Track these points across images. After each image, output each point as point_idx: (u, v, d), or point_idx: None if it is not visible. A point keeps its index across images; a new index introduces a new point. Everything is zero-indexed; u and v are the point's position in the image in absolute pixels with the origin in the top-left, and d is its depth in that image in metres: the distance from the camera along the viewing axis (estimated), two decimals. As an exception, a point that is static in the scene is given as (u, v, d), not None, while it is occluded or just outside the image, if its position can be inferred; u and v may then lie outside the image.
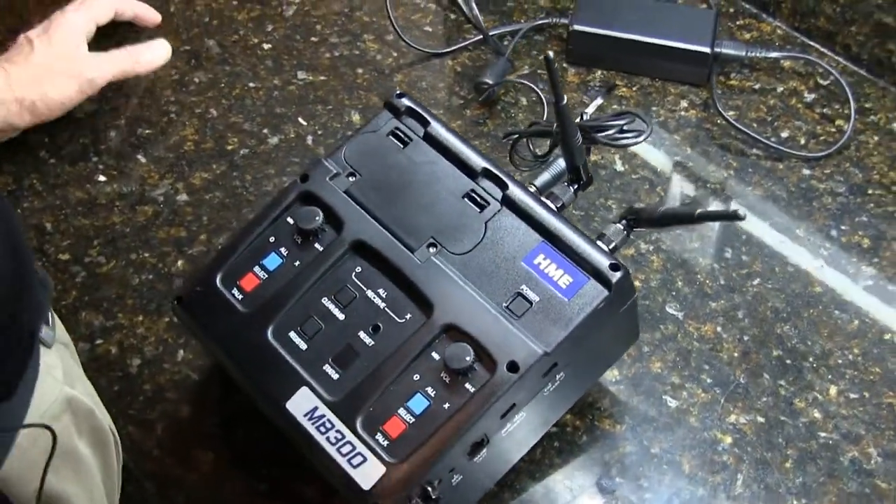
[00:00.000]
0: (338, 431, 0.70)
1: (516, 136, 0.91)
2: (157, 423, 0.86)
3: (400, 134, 0.81)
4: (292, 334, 0.74)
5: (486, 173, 0.78)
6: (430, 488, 0.68)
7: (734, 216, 0.71)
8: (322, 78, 1.11)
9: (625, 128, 0.92)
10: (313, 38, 1.15)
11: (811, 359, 0.89)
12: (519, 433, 0.75)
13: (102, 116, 1.07)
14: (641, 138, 0.91)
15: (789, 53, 1.11)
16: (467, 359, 0.69)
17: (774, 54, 1.10)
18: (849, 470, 0.83)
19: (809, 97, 1.09)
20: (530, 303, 0.72)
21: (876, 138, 1.05)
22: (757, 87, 1.09)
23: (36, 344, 0.70)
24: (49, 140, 1.06)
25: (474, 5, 1.11)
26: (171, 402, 0.87)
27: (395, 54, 1.13)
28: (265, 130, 1.06)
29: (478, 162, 0.78)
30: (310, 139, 1.05)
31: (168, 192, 1.01)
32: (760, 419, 0.86)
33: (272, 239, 0.78)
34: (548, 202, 0.79)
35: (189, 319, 0.79)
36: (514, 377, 0.69)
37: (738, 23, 1.16)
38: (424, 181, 0.78)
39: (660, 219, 0.79)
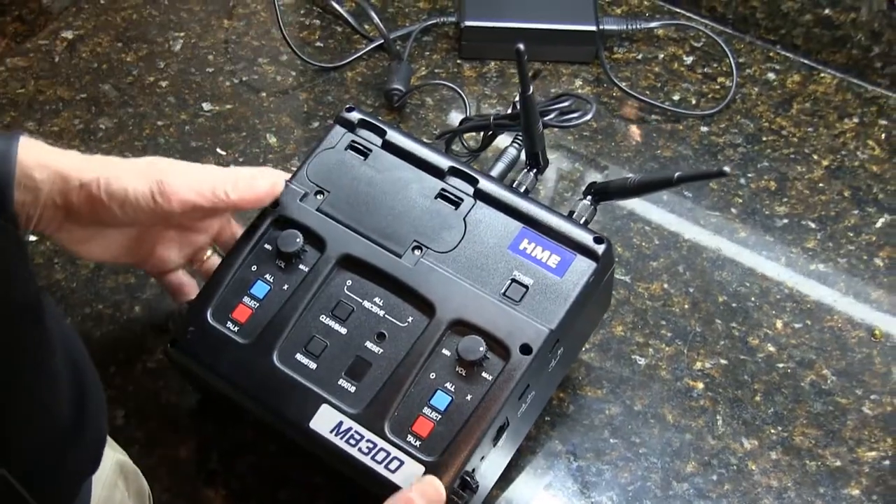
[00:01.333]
0: (368, 441, 0.70)
1: (450, 134, 0.92)
2: (158, 468, 0.83)
3: (358, 146, 0.80)
4: (299, 356, 0.74)
5: (454, 171, 0.78)
6: (468, 478, 0.69)
7: (720, 173, 0.70)
8: (228, 106, 1.08)
9: (565, 109, 0.95)
10: (209, 69, 1.12)
11: (753, 298, 0.94)
12: (529, 412, 0.76)
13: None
14: (588, 116, 0.93)
15: (665, 22, 1.15)
16: (480, 349, 0.70)
17: (652, 24, 1.14)
18: (810, 393, 0.88)
19: (689, 60, 1.13)
20: (526, 287, 0.73)
21: (756, 89, 1.10)
22: (640, 57, 1.13)
23: (106, 426, 0.68)
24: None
25: (373, 14, 1.11)
26: (167, 446, 0.84)
27: (293, 73, 1.12)
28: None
29: (443, 162, 0.79)
30: (233, 167, 1.03)
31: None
32: (723, 361, 0.90)
33: (254, 268, 0.77)
34: (521, 189, 0.80)
35: (187, 361, 0.76)
36: (529, 359, 0.70)
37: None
38: (394, 188, 0.78)
39: (635, 188, 0.78)
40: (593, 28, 1.10)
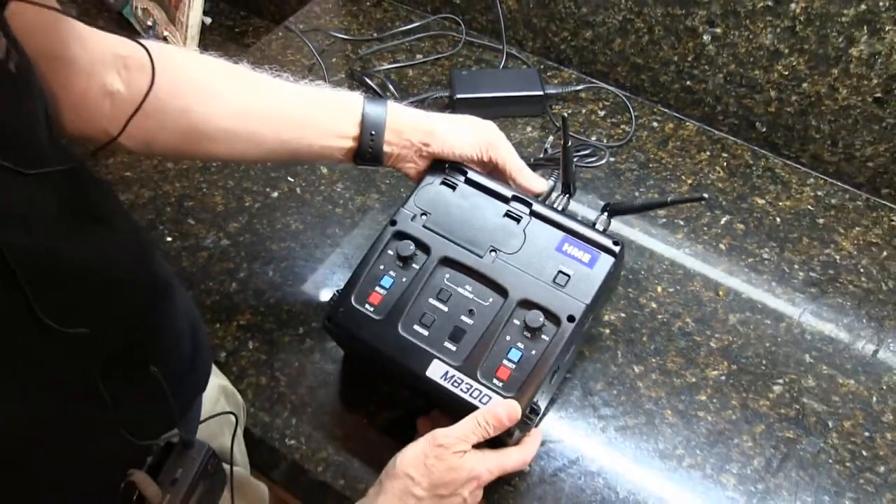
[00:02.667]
0: (467, 383, 0.74)
1: None
2: (247, 391, 0.88)
3: (448, 182, 0.83)
4: (416, 326, 0.77)
5: (515, 198, 0.82)
6: (534, 406, 0.75)
7: (700, 198, 0.78)
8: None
9: (587, 154, 0.99)
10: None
11: (643, 272, 0.99)
12: (569, 360, 0.83)
13: (158, 199, 1.05)
14: (603, 161, 0.97)
15: (585, 86, 1.20)
16: (540, 320, 0.75)
17: (578, 87, 1.19)
18: (677, 334, 0.94)
19: (602, 113, 1.19)
20: (568, 276, 0.77)
21: (645, 133, 1.17)
22: (570, 111, 1.19)
23: (212, 365, 0.75)
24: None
25: (391, 87, 1.15)
26: (252, 376, 0.90)
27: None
28: (267, 189, 1.07)
29: (507, 191, 0.82)
30: (298, 189, 1.07)
31: (214, 240, 1.01)
32: (622, 315, 0.95)
33: (382, 267, 0.80)
34: (559, 208, 0.85)
35: (340, 331, 0.80)
36: (573, 325, 0.76)
37: (548, 74, 1.24)
38: (475, 210, 0.82)
39: (640, 207, 0.84)
40: (541, 92, 1.16)
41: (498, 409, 0.71)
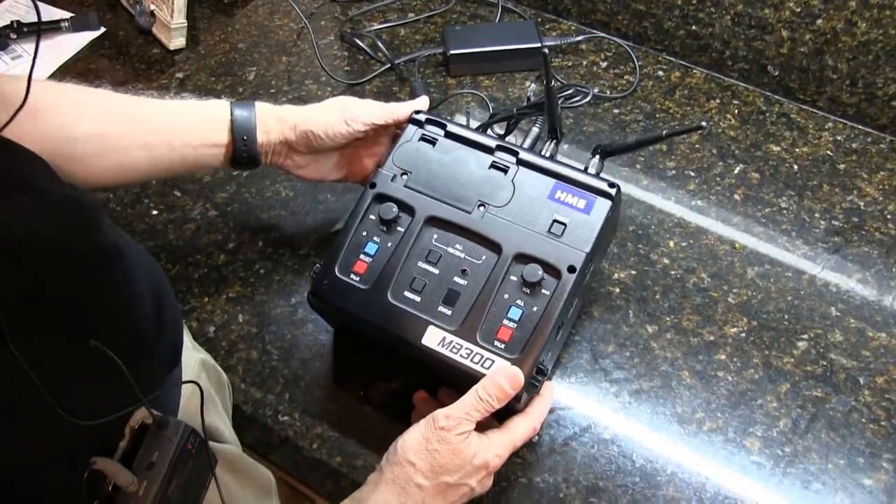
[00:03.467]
0: (467, 349, 0.68)
1: (484, 124, 0.88)
2: (237, 366, 0.82)
3: (427, 138, 0.77)
4: (406, 293, 0.71)
5: (500, 147, 0.75)
6: (541, 366, 0.68)
7: (698, 127, 0.70)
8: (285, 114, 1.05)
9: (571, 94, 0.91)
10: (272, 90, 1.08)
11: (652, 227, 0.92)
12: (573, 315, 0.76)
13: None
14: (588, 98, 0.90)
15: (585, 37, 1.11)
16: (539, 273, 0.69)
17: (577, 38, 1.11)
18: (692, 291, 0.86)
19: (604, 64, 1.10)
20: (564, 224, 0.71)
21: (651, 83, 1.08)
22: (570, 64, 1.11)
23: (182, 328, 0.69)
24: (113, 195, 0.97)
25: (383, 46, 1.07)
26: (242, 350, 0.83)
27: (329, 89, 1.09)
28: (256, 156, 1.00)
29: (490, 142, 0.76)
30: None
31: (201, 211, 0.94)
32: (633, 272, 0.88)
33: (364, 233, 0.74)
34: (546, 155, 0.78)
35: (325, 305, 0.73)
36: (574, 275, 0.69)
37: (546, 27, 1.16)
38: (458, 164, 0.75)
39: (633, 145, 0.77)
40: (538, 45, 1.07)
41: (498, 378, 0.64)
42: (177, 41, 1.30)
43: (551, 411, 0.77)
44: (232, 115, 0.76)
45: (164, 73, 1.13)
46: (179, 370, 0.67)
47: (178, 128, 0.74)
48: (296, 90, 1.08)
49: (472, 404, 0.64)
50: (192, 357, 0.73)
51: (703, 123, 0.69)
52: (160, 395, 0.61)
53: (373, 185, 0.75)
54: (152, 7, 1.31)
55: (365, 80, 1.08)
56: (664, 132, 0.72)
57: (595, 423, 0.77)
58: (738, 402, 0.78)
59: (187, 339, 0.74)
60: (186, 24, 1.29)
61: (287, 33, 1.16)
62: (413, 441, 0.63)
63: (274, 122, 0.78)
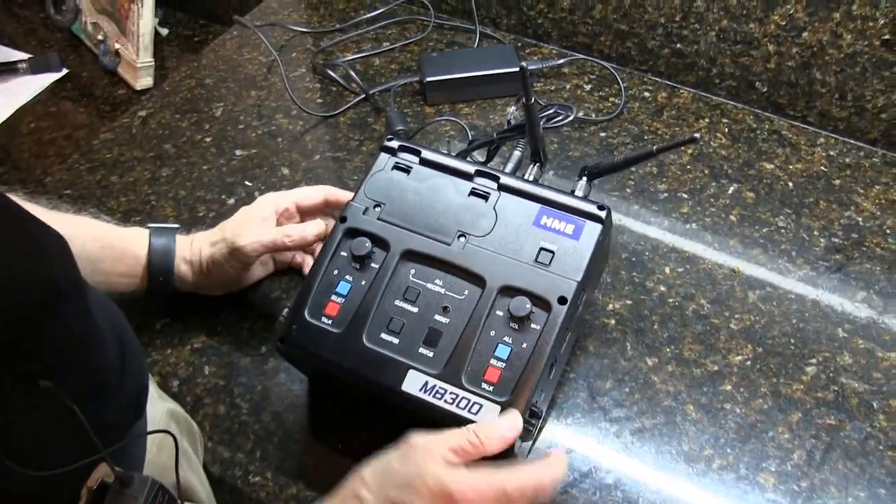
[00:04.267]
0: (451, 393, 0.63)
1: (465, 151, 0.85)
2: (204, 423, 0.76)
3: (402, 166, 0.72)
4: (383, 335, 0.65)
5: (479, 173, 0.71)
6: (534, 409, 0.63)
7: (691, 140, 0.65)
8: (254, 150, 1.00)
9: (551, 115, 0.88)
10: (240, 126, 1.04)
11: (647, 253, 0.87)
12: (566, 349, 0.71)
13: (102, 217, 0.91)
14: (570, 118, 0.86)
15: (566, 60, 1.07)
16: (527, 306, 0.64)
17: (559, 61, 1.07)
18: (692, 318, 0.82)
19: (587, 87, 1.06)
20: (552, 252, 0.66)
21: (637, 104, 1.04)
22: (553, 88, 1.07)
23: (147, 375, 0.63)
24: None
25: (356, 76, 1.03)
26: (209, 405, 0.77)
27: (301, 122, 1.04)
28: (223, 196, 0.95)
29: (469, 167, 0.71)
30: (257, 193, 0.94)
31: (167, 256, 0.88)
32: (629, 302, 0.82)
33: (336, 272, 0.69)
34: (529, 178, 0.73)
35: (295, 352, 0.68)
36: (566, 307, 0.64)
37: (526, 52, 1.12)
38: (435, 193, 0.71)
39: (621, 164, 0.72)
40: (518, 69, 1.00)
41: (501, 425, 0.59)
42: (144, 80, 1.26)
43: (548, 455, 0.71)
44: (150, 251, 0.76)
45: (126, 111, 1.09)
46: (144, 421, 0.61)
47: (96, 263, 0.73)
48: (266, 125, 1.03)
49: (460, 441, 0.56)
50: (159, 407, 0.67)
51: (696, 136, 0.64)
52: (124, 448, 0.56)
53: (343, 220, 0.70)
54: (117, 46, 1.27)
55: (339, 111, 1.03)
56: (654, 148, 0.68)
57: (596, 466, 0.71)
58: (749, 435, 0.73)
59: (153, 389, 0.68)
60: (154, 63, 1.25)
61: (256, 67, 1.12)
62: (378, 458, 0.57)
63: (195, 249, 0.77)
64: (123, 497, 0.50)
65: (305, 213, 0.81)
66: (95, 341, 0.52)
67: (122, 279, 0.75)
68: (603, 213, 0.67)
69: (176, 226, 0.79)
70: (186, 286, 0.78)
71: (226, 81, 1.10)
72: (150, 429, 0.62)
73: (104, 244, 0.74)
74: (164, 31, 1.35)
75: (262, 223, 0.76)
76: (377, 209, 0.70)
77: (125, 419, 0.57)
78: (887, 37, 0.89)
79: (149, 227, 0.78)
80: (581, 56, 1.09)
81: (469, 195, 0.70)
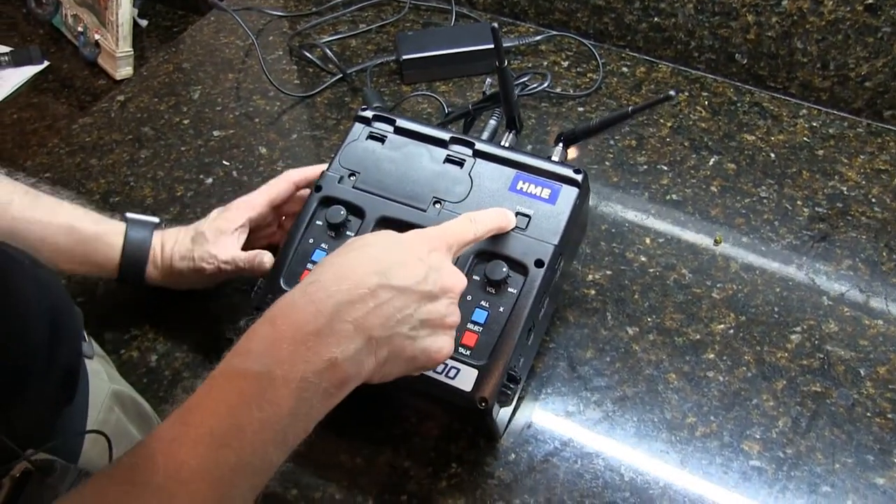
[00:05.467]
0: None
1: (441, 123, 0.83)
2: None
3: (376, 135, 0.70)
4: None
5: (454, 140, 0.69)
6: (512, 373, 0.61)
7: (666, 98, 0.63)
8: (231, 131, 0.98)
9: (527, 82, 0.85)
10: (218, 108, 1.02)
11: (627, 224, 0.86)
12: (545, 315, 0.68)
13: (81, 198, 0.89)
14: (546, 84, 0.84)
15: (543, 36, 1.06)
16: (503, 270, 0.62)
17: (537, 38, 1.05)
18: (673, 288, 0.80)
19: (565, 64, 1.04)
20: (528, 216, 0.64)
21: (616, 79, 1.02)
22: (530, 65, 1.05)
23: (80, 360, 0.59)
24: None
25: (333, 56, 1.01)
26: (187, 379, 0.75)
27: (278, 103, 1.02)
28: (201, 175, 0.93)
29: (443, 134, 0.69)
30: (234, 173, 0.93)
31: (143, 236, 0.86)
32: (609, 272, 0.80)
33: (311, 240, 0.67)
34: (505, 145, 0.71)
35: None
36: (542, 270, 0.62)
37: (503, 30, 1.10)
38: (410, 161, 0.69)
39: (598, 127, 0.70)
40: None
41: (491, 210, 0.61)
42: (123, 70, 1.24)
43: (528, 426, 0.69)
44: (124, 247, 0.73)
45: (105, 96, 1.06)
46: (82, 408, 0.58)
47: (69, 253, 0.71)
48: (243, 106, 1.01)
49: (456, 226, 0.57)
50: (102, 389, 0.64)
51: (671, 93, 0.62)
52: (53, 437, 0.53)
53: (318, 189, 0.68)
54: (97, 37, 1.25)
55: (315, 91, 1.01)
56: (630, 108, 0.66)
57: (577, 435, 0.69)
58: (732, 402, 0.70)
59: (102, 369, 0.65)
60: (133, 53, 1.23)
61: (234, 51, 1.10)
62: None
63: (157, 272, 0.75)
64: (44, 486, 0.48)
65: (280, 206, 0.79)
66: (16, 323, 0.49)
67: (92, 271, 0.73)
68: (579, 177, 0.65)
69: (154, 220, 0.76)
70: (156, 284, 0.76)
71: (203, 65, 1.08)
72: (90, 410, 0.59)
73: (78, 239, 0.71)
74: (144, 23, 1.33)
75: (234, 239, 0.73)
76: (352, 178, 0.68)
77: (53, 404, 0.54)
78: (870, 1, 0.87)
79: (127, 219, 0.75)
80: (558, 33, 1.08)
81: (444, 162, 0.68)
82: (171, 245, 0.74)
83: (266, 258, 0.72)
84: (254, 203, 0.75)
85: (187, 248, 0.73)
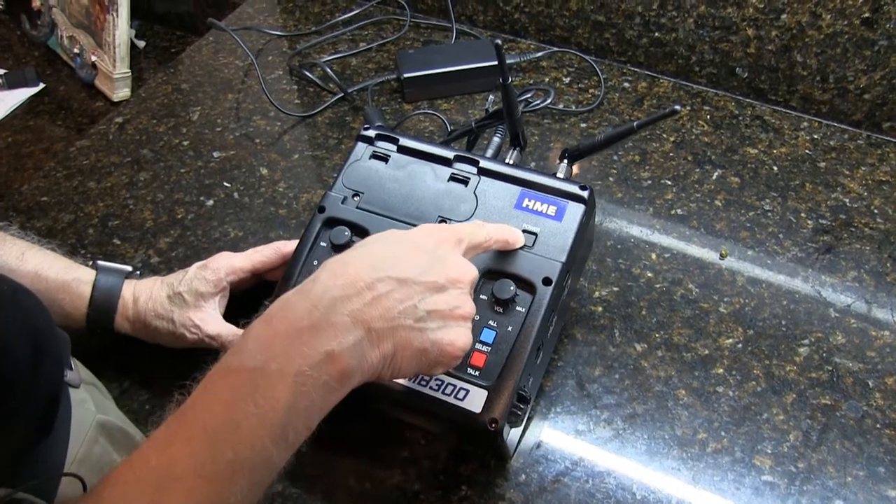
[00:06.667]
0: (437, 380, 0.61)
1: (444, 141, 0.84)
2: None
3: (379, 154, 0.71)
4: None
5: (458, 158, 0.69)
6: (522, 393, 0.61)
7: (672, 112, 0.63)
8: (232, 152, 0.99)
9: (530, 98, 0.86)
10: (217, 129, 1.02)
11: (632, 240, 0.86)
12: (553, 333, 0.69)
13: (79, 222, 0.90)
14: (549, 100, 0.84)
15: (544, 52, 1.07)
16: (511, 289, 0.62)
17: (538, 54, 1.06)
18: (681, 303, 0.80)
19: (567, 80, 1.05)
20: (535, 234, 0.65)
21: (617, 95, 1.03)
22: (532, 81, 1.05)
23: (62, 388, 0.57)
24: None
25: (334, 76, 1.02)
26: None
27: (279, 123, 1.02)
28: (201, 198, 0.93)
29: (448, 153, 0.70)
30: (235, 194, 0.93)
31: (143, 258, 0.86)
32: (615, 289, 0.81)
33: (315, 262, 0.67)
34: (510, 162, 0.72)
35: None
36: (550, 288, 0.62)
37: (504, 47, 1.09)
38: (414, 180, 0.69)
39: (603, 143, 0.70)
40: (496, 63, 0.99)
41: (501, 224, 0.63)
42: (121, 92, 1.24)
43: (538, 445, 0.69)
44: (91, 299, 0.71)
45: (103, 118, 1.07)
46: (62, 442, 0.56)
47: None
48: (243, 127, 1.01)
49: (467, 225, 0.57)
50: (86, 420, 0.61)
51: (677, 107, 0.62)
52: (27, 470, 0.51)
53: (322, 210, 0.68)
54: (93, 58, 1.25)
55: (316, 111, 1.02)
56: (636, 123, 0.66)
57: (587, 454, 0.69)
58: (743, 417, 0.71)
59: (88, 399, 0.63)
60: (130, 74, 1.24)
61: (233, 71, 1.10)
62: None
63: (128, 325, 0.73)
64: None
65: (262, 274, 0.77)
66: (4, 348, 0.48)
67: (59, 321, 0.68)
68: (585, 193, 0.66)
69: (126, 268, 0.74)
70: (127, 334, 0.74)
71: (202, 86, 1.09)
72: (71, 443, 0.57)
73: (44, 287, 0.69)
74: (142, 44, 1.34)
75: (215, 305, 0.72)
76: (356, 198, 0.69)
77: (36, 432, 0.52)
78: (867, 15, 0.88)
79: (97, 267, 0.73)
80: (559, 49, 1.09)
81: (449, 181, 0.68)
82: (146, 299, 0.72)
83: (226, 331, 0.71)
84: (235, 267, 0.74)
85: (164, 308, 0.71)
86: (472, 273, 0.54)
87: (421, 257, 0.52)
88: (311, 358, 0.46)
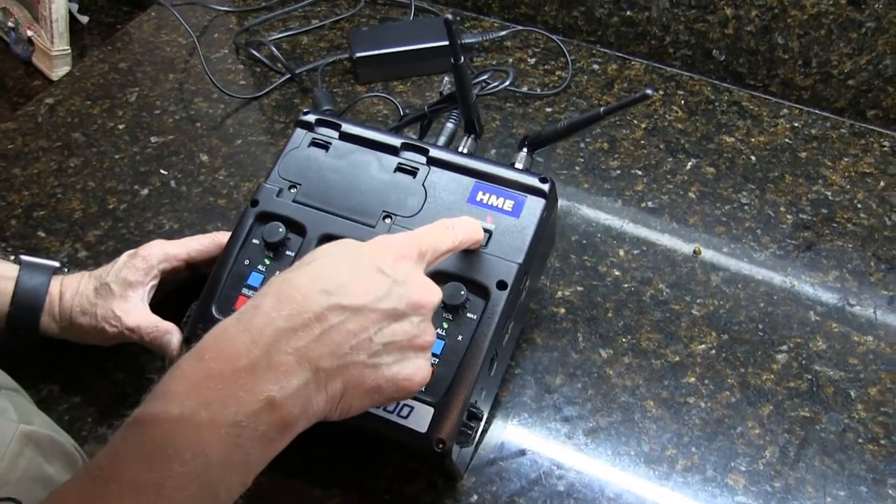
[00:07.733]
0: None
1: (395, 127, 0.78)
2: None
3: (319, 142, 0.64)
4: None
5: (406, 146, 0.63)
6: (473, 410, 0.55)
7: (643, 97, 0.56)
8: (171, 137, 0.91)
9: (487, 80, 0.81)
10: (156, 112, 0.94)
11: (599, 235, 0.80)
12: (509, 341, 0.63)
13: (2, 211, 0.82)
14: (507, 82, 0.83)
15: (508, 31, 1.00)
16: (462, 293, 0.56)
17: (501, 33, 0.99)
18: (650, 305, 0.74)
19: (532, 60, 0.98)
20: (489, 232, 0.59)
21: (585, 77, 0.97)
22: (495, 62, 0.98)
23: None
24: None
25: (280, 56, 0.94)
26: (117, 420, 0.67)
27: (222, 106, 0.94)
28: (136, 186, 0.85)
29: (395, 140, 0.63)
30: (173, 183, 0.85)
31: (69, 252, 0.79)
32: (580, 288, 0.74)
33: (247, 262, 0.61)
34: (463, 151, 0.66)
35: None
36: (506, 293, 0.56)
37: (466, 25, 1.04)
38: (357, 170, 0.62)
39: (566, 130, 0.63)
40: (455, 42, 0.93)
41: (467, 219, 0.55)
42: (60, 70, 1.16)
43: (492, 462, 0.63)
44: (12, 301, 0.64)
45: (32, 98, 0.99)
46: None
47: None
48: (184, 109, 0.94)
49: (430, 232, 0.51)
50: (8, 431, 0.56)
51: (648, 91, 0.55)
52: None
53: (254, 203, 0.62)
54: (30, 33, 1.17)
55: (262, 93, 0.94)
56: (602, 109, 0.59)
57: (546, 472, 0.63)
58: (715, 431, 0.65)
59: (10, 408, 0.58)
60: (71, 52, 1.15)
61: (175, 49, 1.02)
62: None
63: (55, 325, 0.66)
64: None
65: (197, 265, 0.71)
66: None
67: None
68: (546, 186, 0.59)
69: (54, 263, 0.67)
70: (54, 336, 0.67)
71: (142, 65, 1.00)
72: None
73: None
74: (84, 19, 1.25)
75: (142, 295, 0.65)
76: (292, 191, 0.62)
77: None
78: (853, -6, 0.82)
79: (21, 262, 0.66)
80: (524, 28, 1.02)
81: (395, 171, 0.62)
82: (72, 295, 0.65)
83: (174, 339, 0.63)
84: (169, 254, 0.67)
85: (90, 302, 0.64)
86: (435, 297, 0.48)
87: (377, 279, 0.45)
88: (248, 405, 0.40)
